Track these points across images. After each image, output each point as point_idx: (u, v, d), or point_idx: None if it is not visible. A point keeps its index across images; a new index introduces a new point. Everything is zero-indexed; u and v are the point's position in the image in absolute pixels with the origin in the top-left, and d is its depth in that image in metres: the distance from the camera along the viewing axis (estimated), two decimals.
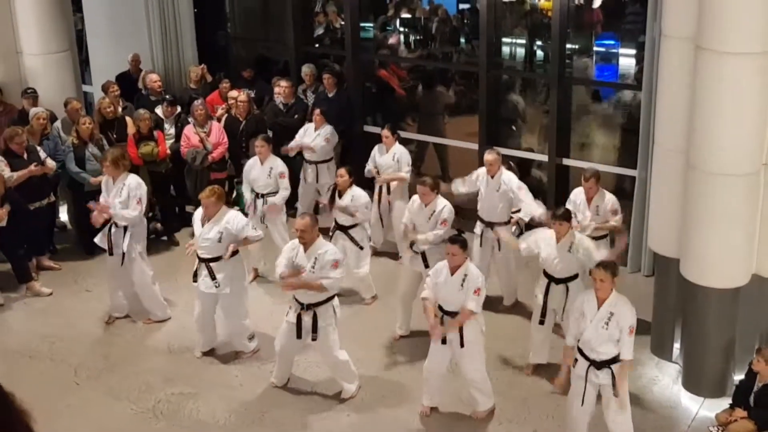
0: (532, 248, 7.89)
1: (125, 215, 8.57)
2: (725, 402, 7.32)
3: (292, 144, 10.47)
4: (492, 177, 8.88)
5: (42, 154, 9.69)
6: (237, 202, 10.67)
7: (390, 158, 9.92)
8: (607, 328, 6.61)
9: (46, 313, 9.22)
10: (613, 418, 6.85)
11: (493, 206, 8.89)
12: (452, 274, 7.14)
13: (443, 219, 8.37)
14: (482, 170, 9.02)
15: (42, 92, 10.70)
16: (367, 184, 9.84)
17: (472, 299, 7.05)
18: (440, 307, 7.21)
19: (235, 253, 8.05)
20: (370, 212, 9.14)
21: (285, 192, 9.61)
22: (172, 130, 10.76)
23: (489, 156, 8.91)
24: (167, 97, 10.93)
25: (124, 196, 8.60)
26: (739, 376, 7.42)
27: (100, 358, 8.42)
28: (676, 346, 8.14)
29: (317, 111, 10.52)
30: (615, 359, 6.67)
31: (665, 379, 8.01)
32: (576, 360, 6.84)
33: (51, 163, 9.71)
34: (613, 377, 6.68)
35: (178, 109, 10.93)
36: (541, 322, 7.87)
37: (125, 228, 8.62)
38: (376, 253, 10.24)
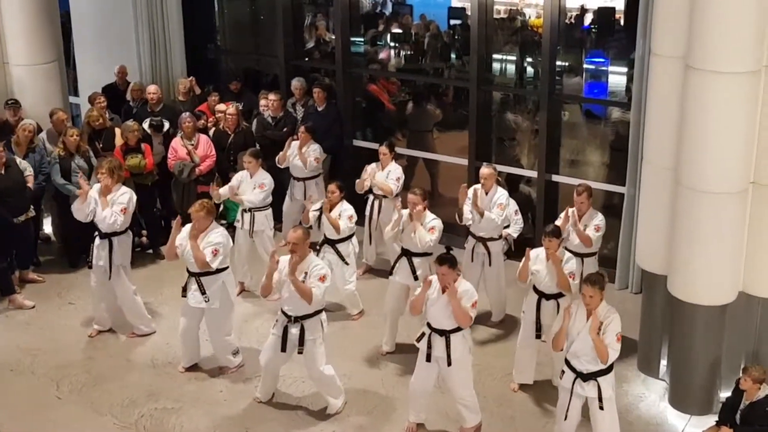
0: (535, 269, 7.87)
1: (107, 218, 8.48)
2: (711, 419, 7.30)
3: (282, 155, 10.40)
4: (486, 193, 8.85)
5: (23, 165, 9.55)
6: (225, 216, 10.62)
7: (385, 175, 9.88)
8: (598, 335, 6.63)
9: (29, 326, 9.13)
10: None
11: (485, 222, 8.85)
12: (443, 292, 7.07)
13: (430, 227, 8.34)
14: (476, 187, 8.99)
15: (28, 103, 10.63)
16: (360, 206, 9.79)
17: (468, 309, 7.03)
18: (428, 324, 7.16)
19: (224, 269, 8.01)
20: (351, 225, 9.03)
21: (253, 197, 9.39)
22: (161, 148, 10.63)
23: (485, 170, 8.87)
24: (153, 121, 10.70)
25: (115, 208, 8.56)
26: (725, 393, 7.40)
27: (83, 372, 8.34)
28: (663, 363, 8.13)
29: (302, 128, 10.43)
30: (601, 372, 6.70)
31: (652, 396, 8.00)
32: (563, 372, 6.87)
33: (30, 177, 9.57)
34: (599, 389, 6.69)
35: (166, 126, 10.79)
36: (538, 336, 7.85)
37: (110, 241, 8.56)
38: (370, 270, 10.23)
